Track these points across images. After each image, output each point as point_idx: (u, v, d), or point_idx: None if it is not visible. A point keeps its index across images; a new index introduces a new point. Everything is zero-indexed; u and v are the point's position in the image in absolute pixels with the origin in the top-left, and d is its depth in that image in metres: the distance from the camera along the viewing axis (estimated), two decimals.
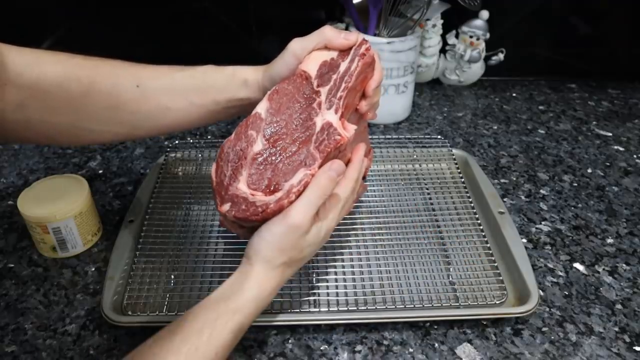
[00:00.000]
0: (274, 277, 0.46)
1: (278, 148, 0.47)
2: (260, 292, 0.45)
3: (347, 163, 0.52)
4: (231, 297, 0.44)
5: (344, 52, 0.51)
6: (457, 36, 1.00)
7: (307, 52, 0.51)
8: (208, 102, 0.54)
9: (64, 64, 0.50)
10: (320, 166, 0.46)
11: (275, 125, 0.48)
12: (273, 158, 0.47)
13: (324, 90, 0.50)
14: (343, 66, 0.50)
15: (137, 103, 0.52)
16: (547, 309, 0.57)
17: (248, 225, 0.47)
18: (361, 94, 0.54)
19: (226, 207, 0.46)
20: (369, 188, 0.71)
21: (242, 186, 0.46)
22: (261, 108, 0.49)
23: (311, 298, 0.57)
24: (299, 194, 0.45)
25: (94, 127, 0.52)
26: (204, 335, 0.42)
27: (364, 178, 0.68)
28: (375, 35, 0.84)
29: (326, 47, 0.52)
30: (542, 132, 0.90)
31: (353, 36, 0.51)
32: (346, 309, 0.55)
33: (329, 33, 0.51)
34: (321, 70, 0.51)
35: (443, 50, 1.01)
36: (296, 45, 0.52)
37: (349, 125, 0.49)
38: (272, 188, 0.46)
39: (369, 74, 0.53)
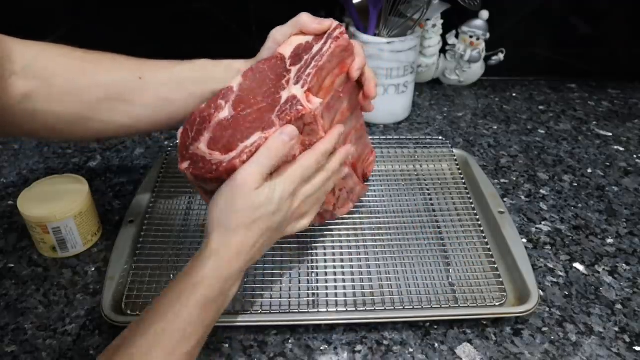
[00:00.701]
0: (232, 243, 0.45)
1: (242, 114, 0.49)
2: (220, 260, 0.44)
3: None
4: (191, 272, 0.44)
5: (320, 36, 0.54)
6: (457, 36, 1.00)
7: (287, 38, 0.55)
8: (207, 93, 0.56)
9: (68, 57, 0.53)
10: None
11: (244, 97, 0.50)
12: (234, 122, 0.48)
13: (294, 69, 0.52)
14: (316, 48, 0.52)
15: (140, 94, 0.55)
16: (547, 309, 0.57)
17: (208, 188, 0.49)
18: (345, 78, 0.55)
19: (185, 164, 0.48)
20: (369, 188, 0.71)
21: (202, 146, 0.48)
22: (234, 82, 0.51)
23: (311, 298, 0.57)
24: (251, 155, 0.46)
25: (97, 117, 0.54)
26: (168, 315, 0.42)
27: (365, 179, 0.68)
28: (375, 35, 0.84)
29: (302, 33, 0.55)
30: (542, 132, 0.90)
31: (327, 22, 0.54)
32: (346, 309, 0.55)
33: (304, 19, 0.54)
34: (295, 51, 0.53)
35: (443, 50, 1.01)
36: (277, 32, 0.56)
37: (314, 99, 0.50)
38: (228, 148, 0.47)
39: (346, 59, 0.54)
